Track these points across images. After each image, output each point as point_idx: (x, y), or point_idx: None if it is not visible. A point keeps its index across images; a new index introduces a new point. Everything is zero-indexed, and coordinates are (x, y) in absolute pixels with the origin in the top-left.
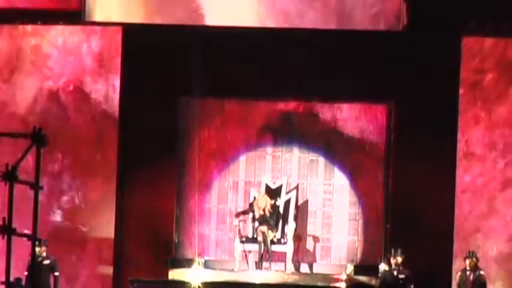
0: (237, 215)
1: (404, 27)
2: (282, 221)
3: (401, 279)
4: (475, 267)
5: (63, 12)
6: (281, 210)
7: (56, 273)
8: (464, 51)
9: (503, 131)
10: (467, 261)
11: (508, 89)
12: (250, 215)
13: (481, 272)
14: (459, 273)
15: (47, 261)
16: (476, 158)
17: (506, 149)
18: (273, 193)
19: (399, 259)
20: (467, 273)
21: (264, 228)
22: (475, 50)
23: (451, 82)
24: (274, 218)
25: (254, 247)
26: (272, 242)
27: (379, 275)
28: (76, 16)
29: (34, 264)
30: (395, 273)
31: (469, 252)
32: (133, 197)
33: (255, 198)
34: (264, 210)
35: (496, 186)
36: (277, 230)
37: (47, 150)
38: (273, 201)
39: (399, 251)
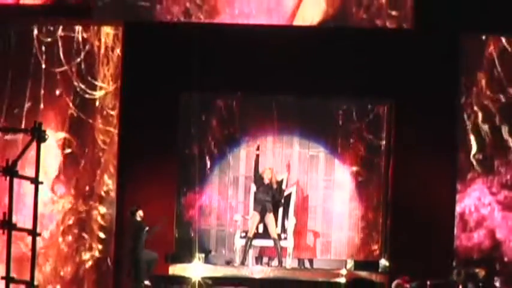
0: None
1: (406, 26)
2: (282, 216)
3: None
4: None
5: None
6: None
7: None
8: (464, 50)
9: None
10: None
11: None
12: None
13: None
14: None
15: None
16: None
17: None
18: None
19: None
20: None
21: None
22: (475, 49)
23: (451, 80)
24: (279, 192)
25: (254, 242)
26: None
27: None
28: (80, 13)
29: (35, 260)
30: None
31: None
32: (134, 192)
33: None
34: (270, 180)
35: None
36: (281, 205)
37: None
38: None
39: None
